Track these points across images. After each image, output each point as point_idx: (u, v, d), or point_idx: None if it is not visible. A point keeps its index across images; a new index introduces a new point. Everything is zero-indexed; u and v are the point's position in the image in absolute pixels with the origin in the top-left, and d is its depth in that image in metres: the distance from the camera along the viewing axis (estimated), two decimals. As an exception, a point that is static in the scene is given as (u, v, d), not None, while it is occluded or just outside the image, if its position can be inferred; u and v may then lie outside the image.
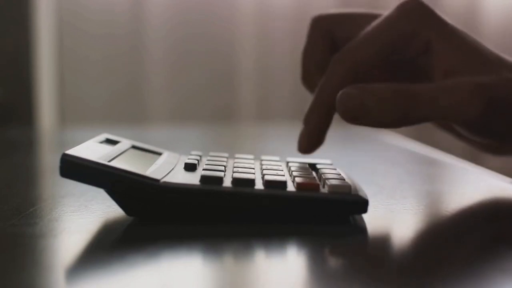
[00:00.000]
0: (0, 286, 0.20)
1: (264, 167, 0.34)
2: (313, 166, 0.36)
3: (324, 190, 0.30)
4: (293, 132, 0.72)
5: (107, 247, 0.25)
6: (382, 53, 0.36)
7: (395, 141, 0.63)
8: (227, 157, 0.37)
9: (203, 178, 0.30)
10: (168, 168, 0.32)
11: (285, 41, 1.56)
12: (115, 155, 0.31)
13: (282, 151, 0.55)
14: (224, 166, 0.33)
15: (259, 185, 0.30)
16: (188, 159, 0.34)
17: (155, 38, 1.51)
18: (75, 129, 0.73)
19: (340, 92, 0.34)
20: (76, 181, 0.35)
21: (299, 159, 0.37)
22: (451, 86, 0.34)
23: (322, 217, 0.30)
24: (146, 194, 0.29)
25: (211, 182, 0.30)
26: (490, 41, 1.64)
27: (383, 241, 0.27)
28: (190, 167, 0.33)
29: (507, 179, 0.41)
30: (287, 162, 0.36)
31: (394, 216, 0.31)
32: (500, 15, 1.64)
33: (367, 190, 0.37)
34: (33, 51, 1.37)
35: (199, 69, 1.54)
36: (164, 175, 0.30)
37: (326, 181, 0.31)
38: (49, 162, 0.48)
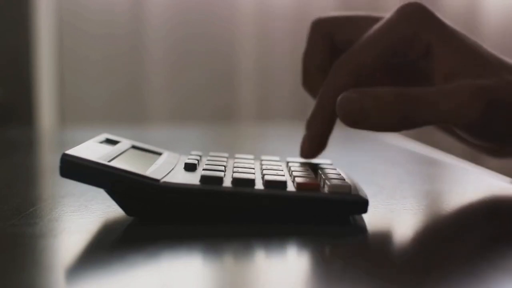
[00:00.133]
0: (0, 286, 0.20)
1: (264, 167, 0.34)
2: (313, 166, 0.36)
3: (324, 190, 0.30)
4: (293, 132, 0.72)
5: (107, 247, 0.25)
6: (383, 56, 0.36)
7: (395, 141, 0.63)
8: (227, 157, 0.37)
9: (203, 178, 0.30)
10: (168, 168, 0.32)
11: (285, 41, 1.56)
12: (115, 155, 0.31)
13: (282, 151, 0.55)
14: (224, 166, 0.33)
15: (259, 185, 0.30)
16: (188, 159, 0.34)
17: (155, 38, 1.51)
18: (75, 129, 0.73)
19: (340, 96, 0.34)
20: (76, 181, 0.35)
21: (299, 159, 0.38)
22: (451, 89, 0.34)
23: (322, 217, 0.30)
24: (146, 194, 0.29)
25: (211, 182, 0.30)
26: (490, 41, 1.64)
27: (383, 241, 0.27)
28: (190, 167, 0.33)
29: (507, 179, 0.41)
30: (287, 162, 0.36)
31: (394, 216, 0.31)
32: (500, 15, 1.64)
33: (367, 190, 0.37)
34: (33, 51, 1.37)
35: (199, 69, 1.54)
36: (164, 175, 0.30)
37: (326, 181, 0.31)
38: (49, 162, 0.48)
